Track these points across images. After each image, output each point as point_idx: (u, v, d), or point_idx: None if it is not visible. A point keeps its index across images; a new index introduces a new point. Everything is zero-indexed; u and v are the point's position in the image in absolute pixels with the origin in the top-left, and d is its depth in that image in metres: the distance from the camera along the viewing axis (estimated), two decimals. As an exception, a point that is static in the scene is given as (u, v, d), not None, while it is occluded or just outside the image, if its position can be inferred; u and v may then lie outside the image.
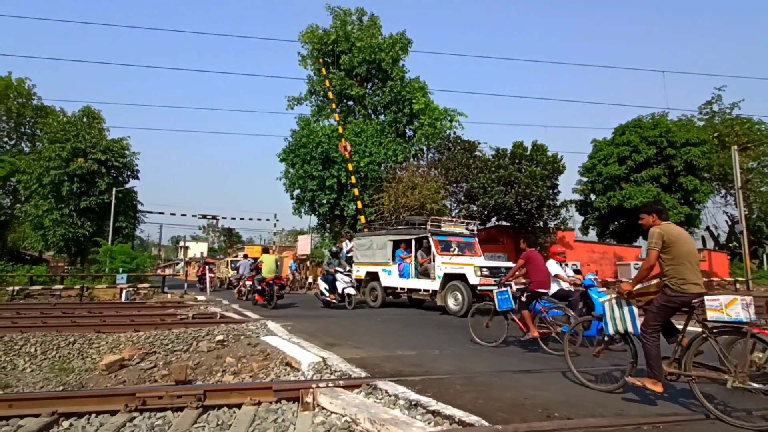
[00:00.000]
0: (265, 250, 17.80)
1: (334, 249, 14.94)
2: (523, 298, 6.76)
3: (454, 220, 14.04)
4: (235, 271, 21.00)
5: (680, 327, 4.25)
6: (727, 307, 3.80)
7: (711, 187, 30.05)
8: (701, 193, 27.57)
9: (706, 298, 3.95)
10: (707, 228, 34.30)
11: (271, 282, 13.37)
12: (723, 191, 33.20)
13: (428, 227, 13.02)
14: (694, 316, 4.11)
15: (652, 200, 6.65)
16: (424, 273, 12.76)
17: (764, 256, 30.87)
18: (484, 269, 11.41)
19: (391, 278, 13.66)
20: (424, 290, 12.76)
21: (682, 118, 32.30)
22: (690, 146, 26.99)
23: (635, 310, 4.47)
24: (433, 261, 12.40)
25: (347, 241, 17.09)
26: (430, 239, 12.49)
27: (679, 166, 26.85)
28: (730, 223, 33.58)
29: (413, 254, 13.09)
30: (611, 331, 4.62)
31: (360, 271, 14.83)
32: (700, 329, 3.96)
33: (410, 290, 13.41)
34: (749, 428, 3.59)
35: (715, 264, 27.46)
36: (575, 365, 4.97)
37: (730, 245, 33.07)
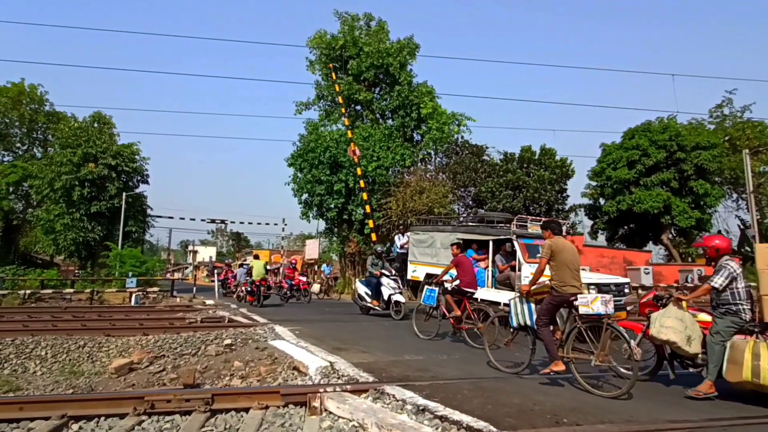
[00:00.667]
0: (256, 257, 19.14)
1: (378, 248, 12.93)
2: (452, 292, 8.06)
3: (540, 219, 11.54)
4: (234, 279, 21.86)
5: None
6: (592, 303, 4.82)
7: (722, 191, 29.73)
8: (712, 197, 27.29)
9: (579, 296, 4.99)
10: (719, 232, 33.90)
11: (259, 284, 15.43)
12: (734, 195, 32.83)
13: (513, 228, 10.73)
14: (573, 311, 5.09)
15: (551, 219, 7.61)
16: (504, 282, 10.42)
17: (777, 261, 30.36)
18: (592, 285, 8.55)
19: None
20: (504, 304, 9.07)
21: (692, 121, 32.05)
22: (700, 150, 26.74)
23: (533, 306, 5.47)
24: (519, 269, 9.89)
25: (400, 234, 15.36)
26: (516, 243, 10.05)
27: (690, 170, 26.59)
28: (741, 227, 33.16)
29: (490, 258, 10.72)
30: (515, 324, 5.66)
31: (417, 271, 12.81)
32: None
33: (484, 302, 9.63)
34: (603, 395, 4.64)
35: (727, 269, 27.06)
36: (494, 356, 5.94)
37: (743, 249, 32.63)
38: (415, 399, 4.14)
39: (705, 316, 5.04)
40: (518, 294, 5.71)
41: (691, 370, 5.04)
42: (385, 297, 11.26)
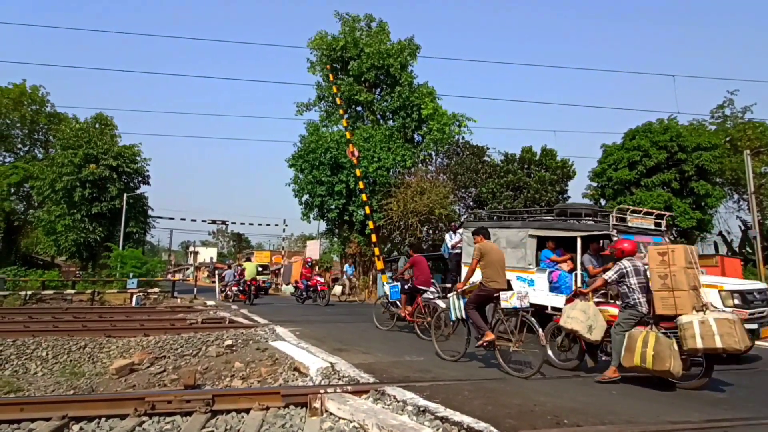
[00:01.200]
0: (248, 259, 21.42)
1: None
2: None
3: (641, 210, 9.63)
4: (221, 279, 22.29)
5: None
6: (510, 299, 5.64)
7: (723, 192, 29.69)
8: (713, 198, 27.24)
9: (501, 292, 5.80)
10: (720, 233, 33.87)
11: (250, 284, 17.14)
12: (735, 196, 32.80)
13: (612, 220, 8.34)
14: (497, 305, 5.94)
15: (481, 226, 7.98)
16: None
17: (778, 262, 30.35)
18: (736, 294, 7.38)
19: (531, 291, 8.53)
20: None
21: (693, 122, 32.03)
22: (701, 151, 26.71)
23: (461, 300, 6.39)
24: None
25: (452, 232, 13.16)
26: (615, 240, 7.62)
27: (691, 171, 26.56)
28: (743, 228, 33.13)
29: (579, 259, 8.35)
30: (453, 317, 6.60)
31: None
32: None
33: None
34: (518, 376, 5.42)
35: (728, 269, 27.00)
36: (440, 346, 6.83)
37: (744, 250, 32.60)
38: (415, 400, 4.14)
39: (614, 310, 5.62)
40: (455, 291, 6.56)
41: (603, 357, 5.62)
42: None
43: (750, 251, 30.09)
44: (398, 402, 4.16)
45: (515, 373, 5.47)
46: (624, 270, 5.41)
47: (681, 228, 27.57)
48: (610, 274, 5.52)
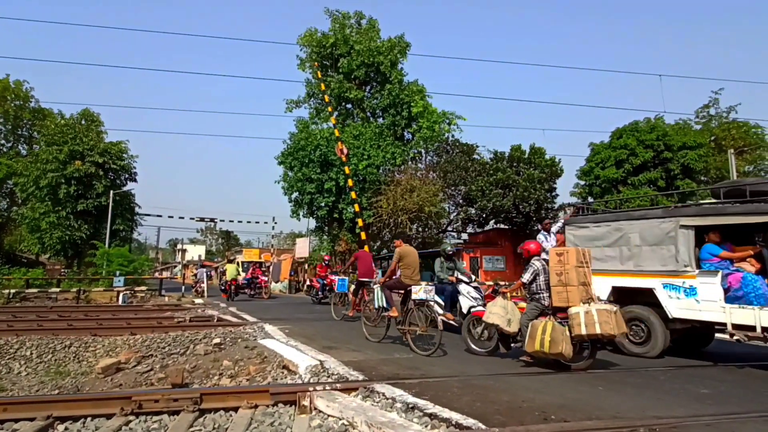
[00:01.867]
0: (230, 261, 22.49)
1: (449, 248, 9.61)
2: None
3: None
4: (194, 276, 24.60)
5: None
6: (419, 292, 6.98)
7: (708, 190, 30.15)
8: (698, 196, 27.66)
9: (412, 287, 7.17)
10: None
11: (230, 283, 18.88)
12: (720, 195, 33.32)
13: None
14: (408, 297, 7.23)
15: (401, 231, 9.57)
16: None
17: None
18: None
19: (691, 303, 6.48)
20: None
21: (679, 121, 32.48)
22: (687, 150, 27.11)
23: (386, 293, 7.82)
24: None
25: (545, 233, 9.83)
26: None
27: (676, 170, 26.95)
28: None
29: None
30: (377, 305, 8.11)
31: (599, 285, 7.21)
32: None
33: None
34: (423, 354, 6.68)
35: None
36: (368, 330, 8.24)
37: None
38: (404, 397, 4.15)
39: (524, 304, 6.42)
40: (378, 285, 8.14)
41: (518, 344, 6.30)
42: (464, 309, 8.15)
43: (733, 249, 30.62)
44: (387, 399, 4.17)
45: (421, 352, 6.77)
46: (536, 270, 6.17)
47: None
48: (525, 276, 6.22)
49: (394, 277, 7.74)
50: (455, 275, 8.83)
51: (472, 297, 8.30)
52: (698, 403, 4.31)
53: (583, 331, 5.45)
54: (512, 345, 6.49)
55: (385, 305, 7.80)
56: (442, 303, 8.25)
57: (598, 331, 5.39)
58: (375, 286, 8.24)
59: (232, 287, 18.84)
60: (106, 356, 7.96)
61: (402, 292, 7.65)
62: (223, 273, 21.01)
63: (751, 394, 4.76)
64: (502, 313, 6.28)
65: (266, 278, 22.67)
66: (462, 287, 8.56)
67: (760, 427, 3.65)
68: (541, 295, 6.08)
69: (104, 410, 4.25)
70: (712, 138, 31.06)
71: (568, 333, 5.56)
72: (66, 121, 30.07)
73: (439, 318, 6.73)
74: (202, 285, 22.06)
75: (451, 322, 8.17)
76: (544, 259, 6.31)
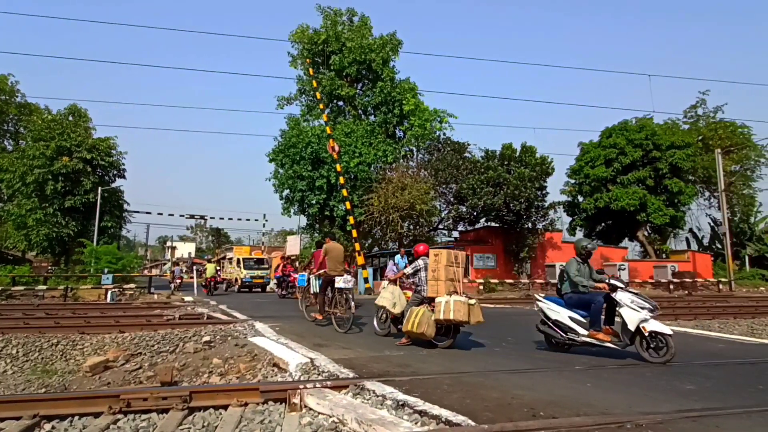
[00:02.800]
0: (209, 261, 25.71)
1: (588, 245, 7.02)
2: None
3: None
4: (172, 273, 26.45)
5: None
6: (340, 282, 8.76)
7: (695, 189, 30.56)
8: (686, 195, 28.03)
9: (336, 277, 8.84)
10: (690, 230, 34.87)
11: (210, 280, 22.45)
12: (707, 193, 33.80)
13: None
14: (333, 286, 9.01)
15: (328, 232, 13.28)
16: None
17: (746, 257, 31.46)
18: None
19: None
20: None
21: (667, 121, 32.88)
22: (675, 149, 27.44)
23: (319, 281, 9.54)
24: None
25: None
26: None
27: (665, 169, 27.26)
28: (713, 225, 34.18)
29: None
30: (312, 291, 10.29)
31: None
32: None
33: None
34: (340, 331, 8.47)
35: (699, 265, 27.91)
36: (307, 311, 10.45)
37: (714, 246, 33.66)
38: (395, 394, 4.16)
39: (410, 293, 7.76)
40: (314, 275, 9.91)
41: (400, 327, 7.64)
42: (631, 326, 6.08)
43: (719, 247, 31.10)
44: (377, 396, 4.17)
45: (340, 330, 8.51)
46: (418, 267, 7.54)
47: (655, 224, 28.30)
48: (408, 270, 7.67)
49: (323, 270, 9.34)
50: (607, 281, 6.53)
51: (637, 306, 6.15)
52: (684, 399, 4.37)
53: (441, 316, 6.80)
54: (399, 327, 7.79)
55: (316, 290, 9.66)
56: (582, 319, 6.51)
57: (451, 317, 6.75)
58: (312, 277, 10.13)
59: (211, 284, 22.55)
60: (93, 354, 7.87)
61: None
62: (204, 271, 24.15)
63: (734, 389, 4.84)
64: (390, 297, 7.84)
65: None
66: (622, 296, 6.32)
67: (743, 422, 3.71)
68: (422, 287, 7.39)
69: (92, 409, 4.20)
70: (700, 137, 31.46)
71: (432, 318, 6.88)
72: (53, 117, 29.66)
73: (353, 305, 8.57)
74: (177, 281, 24.25)
75: (605, 343, 6.27)
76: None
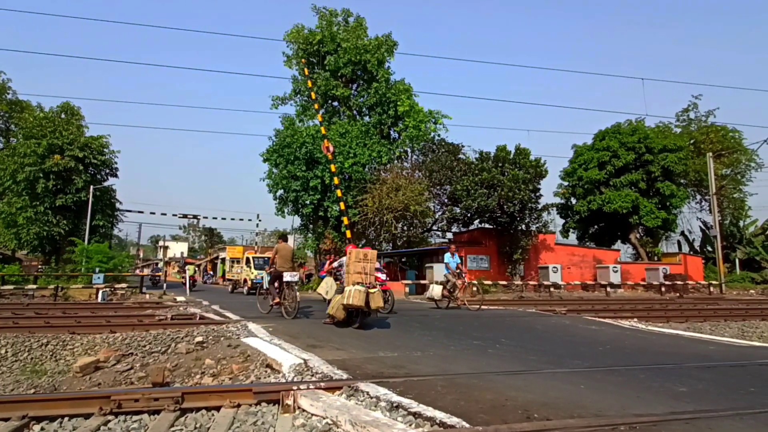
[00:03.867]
0: (190, 263, 27.59)
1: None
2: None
3: None
4: (152, 271, 28.54)
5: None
6: (287, 276, 10.28)
7: (687, 192, 30.83)
8: (677, 198, 28.26)
9: (284, 272, 10.29)
10: (682, 233, 35.15)
11: (191, 278, 24.25)
12: (698, 197, 34.10)
13: None
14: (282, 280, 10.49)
15: (281, 233, 14.17)
16: None
17: (736, 260, 31.77)
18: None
19: None
20: None
21: (659, 124, 33.16)
22: (667, 152, 27.66)
23: (269, 276, 11.30)
24: None
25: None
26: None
27: (657, 172, 27.47)
28: (704, 228, 34.48)
29: None
30: (266, 286, 12.01)
31: None
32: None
33: None
34: (288, 318, 10.01)
35: (690, 268, 28.14)
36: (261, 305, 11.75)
37: (705, 249, 33.95)
38: (389, 395, 4.14)
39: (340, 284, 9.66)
40: (266, 272, 12.30)
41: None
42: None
43: (710, 250, 31.39)
44: (371, 398, 4.16)
45: (287, 317, 10.17)
46: (342, 262, 9.64)
47: (647, 227, 28.51)
48: (335, 264, 10.50)
49: (273, 266, 10.78)
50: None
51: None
52: (676, 400, 4.39)
53: (344, 302, 8.50)
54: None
55: (266, 285, 11.80)
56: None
57: (350, 302, 8.40)
58: (263, 273, 12.31)
59: (191, 281, 24.09)
60: (84, 355, 7.79)
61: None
62: (184, 270, 26.57)
63: (726, 391, 4.87)
64: (325, 287, 10.52)
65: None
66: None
67: (735, 424, 3.73)
68: (342, 279, 9.27)
69: (82, 410, 4.15)
70: (692, 141, 31.75)
71: (342, 303, 8.58)
72: (45, 114, 29.38)
73: (297, 296, 10.32)
74: (157, 276, 27.55)
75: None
76: None
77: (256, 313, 12.05)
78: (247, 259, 25.25)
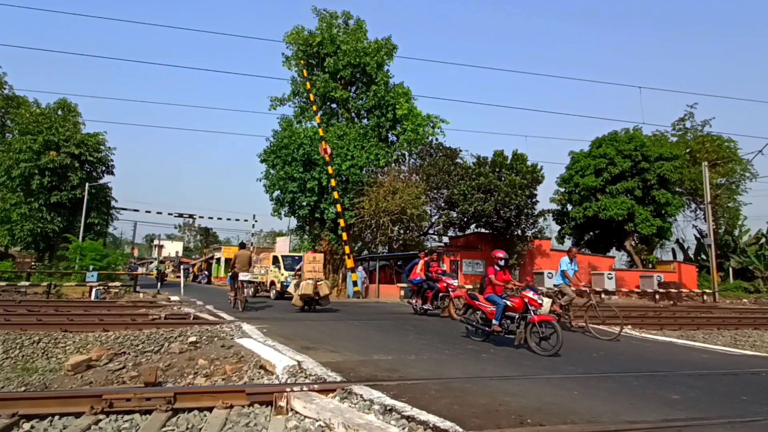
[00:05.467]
0: (161, 262, 29.25)
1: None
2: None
3: None
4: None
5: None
6: (242, 275, 13.15)
7: (682, 201, 30.99)
8: (673, 206, 28.39)
9: (240, 273, 13.04)
10: (677, 241, 35.31)
11: (161, 275, 27.85)
12: (693, 205, 34.27)
13: None
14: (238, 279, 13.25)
15: (241, 243, 15.79)
16: None
17: (729, 269, 31.94)
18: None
19: None
20: None
21: (656, 133, 33.33)
22: (663, 161, 27.79)
23: (229, 276, 14.29)
24: None
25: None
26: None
27: (653, 180, 27.60)
28: (698, 236, 34.65)
29: None
30: (230, 282, 13.97)
31: None
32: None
33: None
34: (240, 311, 12.58)
35: (685, 276, 28.25)
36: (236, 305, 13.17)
37: (699, 258, 34.11)
38: (382, 399, 4.13)
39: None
40: (230, 273, 13.84)
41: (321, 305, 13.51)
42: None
43: (704, 258, 31.54)
44: (365, 401, 4.14)
45: (242, 312, 12.36)
46: (301, 264, 13.51)
47: (642, 234, 28.62)
48: (297, 267, 13.89)
49: (234, 269, 13.30)
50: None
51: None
52: (669, 408, 4.40)
53: (299, 292, 12.78)
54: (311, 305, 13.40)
55: (230, 282, 14.05)
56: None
57: (303, 292, 12.70)
58: (229, 274, 14.26)
59: (161, 277, 28.74)
60: (76, 353, 7.73)
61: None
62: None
63: (719, 399, 4.89)
64: (294, 285, 13.78)
65: (455, 281, 13.57)
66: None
67: (727, 433, 3.75)
68: (302, 275, 13.35)
69: (73, 409, 4.12)
70: (688, 150, 31.93)
71: (297, 294, 12.94)
72: (42, 110, 29.27)
73: (250, 292, 14.68)
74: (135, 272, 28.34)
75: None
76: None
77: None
78: (275, 258, 21.02)
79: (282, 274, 19.09)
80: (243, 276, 13.15)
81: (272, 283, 19.82)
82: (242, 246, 14.67)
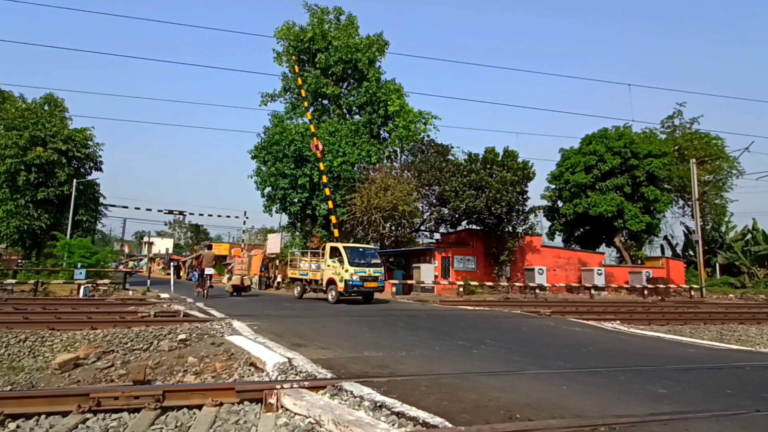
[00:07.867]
0: (131, 257, 30.50)
1: None
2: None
3: None
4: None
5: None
6: (207, 271, 17.35)
7: (670, 197, 31.35)
8: (661, 203, 28.72)
9: (206, 269, 17.37)
10: (665, 237, 35.74)
11: (128, 272, 27.89)
12: (681, 202, 34.69)
13: None
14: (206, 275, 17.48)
15: (207, 245, 18.85)
16: None
17: (716, 265, 32.39)
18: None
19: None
20: None
21: (645, 130, 33.67)
22: (652, 158, 28.10)
23: (196, 273, 23.45)
24: None
25: None
26: None
27: (642, 177, 27.89)
28: (686, 232, 35.09)
29: None
30: (195, 280, 21.90)
31: None
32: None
33: None
34: (204, 300, 15.89)
35: (673, 272, 28.61)
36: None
37: (687, 254, 34.56)
38: (372, 395, 4.14)
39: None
40: (197, 271, 20.95)
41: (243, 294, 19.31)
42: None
43: (692, 254, 31.96)
44: (355, 397, 4.15)
45: (206, 300, 15.49)
46: (236, 264, 19.99)
47: (631, 231, 28.92)
48: (232, 264, 22.55)
49: (200, 266, 17.92)
50: None
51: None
52: (656, 402, 4.45)
53: (231, 283, 19.50)
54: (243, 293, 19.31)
55: (195, 279, 17.88)
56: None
57: (233, 283, 19.21)
58: (194, 272, 19.08)
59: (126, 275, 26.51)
60: (63, 351, 7.64)
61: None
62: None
63: (704, 393, 4.96)
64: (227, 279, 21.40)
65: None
66: None
67: (711, 426, 3.80)
68: (233, 271, 21.49)
69: (60, 407, 4.07)
70: (676, 147, 32.29)
71: (230, 284, 19.52)
72: (28, 105, 28.84)
73: (209, 284, 17.14)
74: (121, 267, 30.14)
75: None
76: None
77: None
78: (334, 249, 16.36)
79: (346, 271, 15.29)
80: (208, 271, 17.20)
81: (331, 281, 15.95)
82: (209, 247, 19.52)
